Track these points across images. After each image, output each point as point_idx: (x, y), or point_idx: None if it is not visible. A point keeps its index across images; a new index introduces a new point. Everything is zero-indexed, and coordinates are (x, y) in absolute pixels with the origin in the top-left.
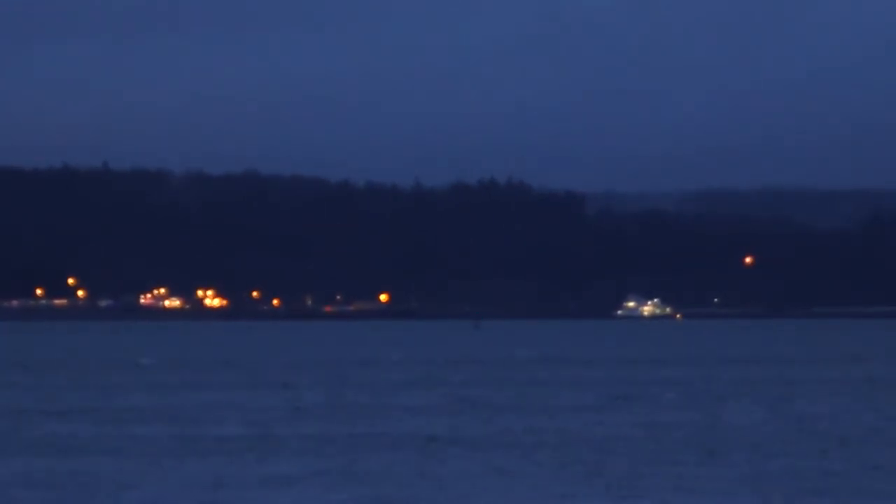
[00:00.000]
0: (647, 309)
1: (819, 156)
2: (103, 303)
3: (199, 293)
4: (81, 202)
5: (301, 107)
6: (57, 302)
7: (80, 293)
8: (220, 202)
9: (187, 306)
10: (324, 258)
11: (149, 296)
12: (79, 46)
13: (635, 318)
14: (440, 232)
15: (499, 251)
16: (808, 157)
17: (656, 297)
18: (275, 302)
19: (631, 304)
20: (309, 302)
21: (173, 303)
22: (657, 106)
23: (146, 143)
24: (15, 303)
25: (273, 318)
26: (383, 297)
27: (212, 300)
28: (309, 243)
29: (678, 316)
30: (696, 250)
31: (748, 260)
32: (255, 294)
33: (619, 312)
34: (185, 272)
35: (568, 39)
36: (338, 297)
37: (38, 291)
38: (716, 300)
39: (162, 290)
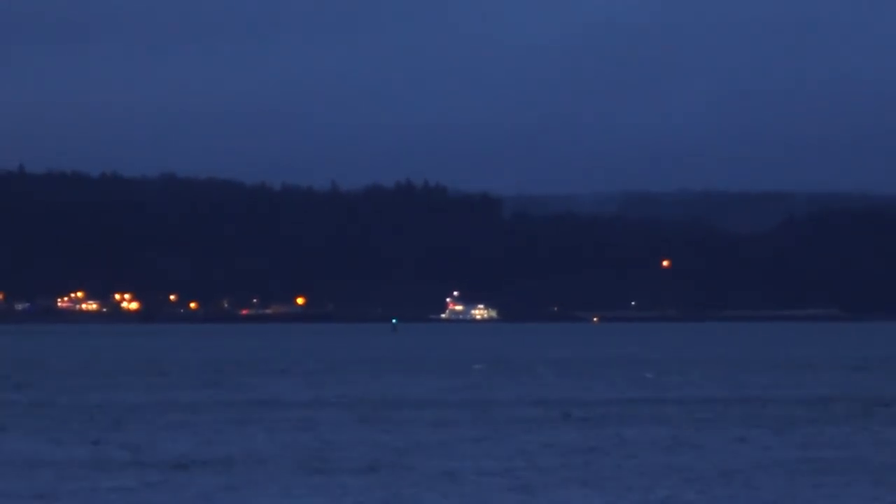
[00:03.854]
0: (478, 312)
1: (734, 159)
2: (20, 306)
3: (117, 296)
4: None
5: (218, 112)
6: None
7: None
8: (137, 204)
9: (104, 310)
10: (240, 261)
11: (65, 299)
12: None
13: (466, 321)
14: (356, 234)
15: (415, 254)
16: (723, 160)
17: (482, 302)
18: (192, 305)
19: (459, 307)
20: (226, 305)
21: (90, 306)
22: (577, 110)
23: (62, 145)
24: None
25: (190, 321)
26: (300, 300)
27: (129, 303)
28: (225, 246)
29: (595, 319)
30: (613, 253)
31: (665, 263)
32: (172, 297)
33: (443, 315)
34: (102, 275)
35: (485, 50)
36: (254, 300)
37: None
38: (633, 303)
39: (79, 294)
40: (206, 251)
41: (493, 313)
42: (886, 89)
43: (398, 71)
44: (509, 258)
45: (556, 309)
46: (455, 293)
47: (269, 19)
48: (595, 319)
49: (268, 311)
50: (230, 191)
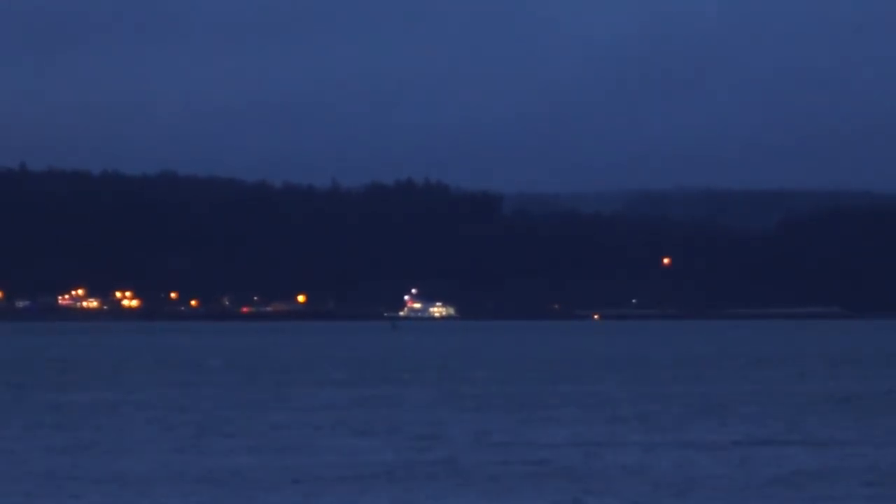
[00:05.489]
0: (437, 310)
1: (736, 157)
2: (21, 304)
3: (117, 294)
4: None
5: (219, 110)
6: None
7: None
8: (138, 202)
9: (105, 307)
10: (241, 259)
11: (66, 297)
12: None
13: (425, 318)
14: (357, 232)
15: (415, 252)
16: (725, 158)
17: (440, 301)
18: (192, 303)
19: (417, 305)
20: (226, 303)
21: (91, 304)
22: (578, 109)
23: (63, 143)
24: None
25: (191, 318)
26: (301, 298)
27: (129, 301)
28: (226, 244)
29: (595, 317)
30: (614, 251)
31: (666, 261)
32: (172, 295)
33: (401, 313)
34: (103, 273)
35: (488, 50)
36: (255, 297)
37: None
38: (634, 301)
39: (80, 291)
40: (206, 249)
41: (452, 311)
42: (888, 88)
43: (399, 70)
44: (509, 255)
45: (556, 307)
46: (413, 291)
47: (270, 20)
48: (596, 317)
49: (268, 308)
50: (231, 189)
